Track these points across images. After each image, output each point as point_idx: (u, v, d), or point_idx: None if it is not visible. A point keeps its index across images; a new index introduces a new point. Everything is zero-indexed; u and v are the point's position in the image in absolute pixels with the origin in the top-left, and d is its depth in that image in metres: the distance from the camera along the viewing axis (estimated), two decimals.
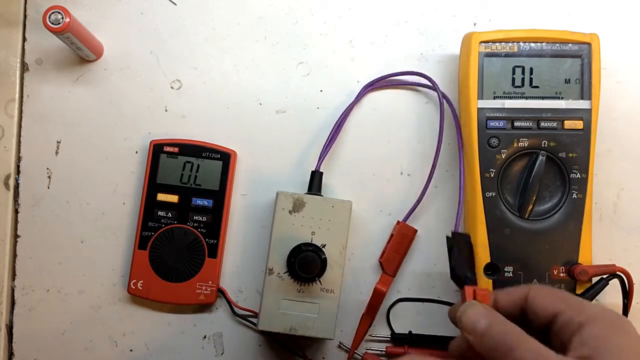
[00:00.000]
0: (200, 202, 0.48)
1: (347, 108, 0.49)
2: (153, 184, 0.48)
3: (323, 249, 0.45)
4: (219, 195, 0.48)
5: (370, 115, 0.50)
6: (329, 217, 0.46)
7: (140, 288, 0.48)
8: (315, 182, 0.48)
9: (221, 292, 0.49)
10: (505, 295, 0.39)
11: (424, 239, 0.49)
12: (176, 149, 0.48)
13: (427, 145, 0.50)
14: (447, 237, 0.44)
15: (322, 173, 0.48)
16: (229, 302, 0.49)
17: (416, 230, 0.49)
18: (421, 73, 0.49)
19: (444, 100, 0.49)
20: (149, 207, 0.48)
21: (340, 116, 0.49)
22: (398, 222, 0.49)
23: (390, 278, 0.48)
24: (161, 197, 0.48)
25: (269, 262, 0.45)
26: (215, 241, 0.48)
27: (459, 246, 0.43)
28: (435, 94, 0.49)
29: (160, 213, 0.48)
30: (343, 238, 0.46)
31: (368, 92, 0.50)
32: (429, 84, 0.49)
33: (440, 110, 0.49)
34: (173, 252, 0.48)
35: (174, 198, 0.48)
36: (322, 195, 0.47)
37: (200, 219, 0.48)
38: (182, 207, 0.48)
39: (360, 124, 0.50)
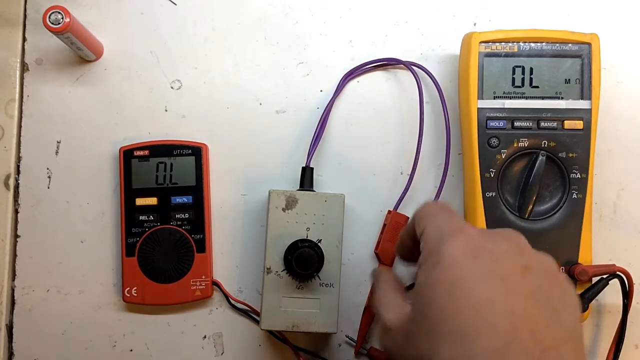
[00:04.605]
0: (179, 199, 0.48)
1: (329, 101, 0.49)
2: (129, 190, 0.48)
3: (319, 244, 0.45)
4: (197, 190, 0.48)
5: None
6: (323, 211, 0.46)
7: (135, 295, 0.47)
8: (306, 178, 0.48)
9: (216, 285, 0.49)
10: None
11: None
12: (146, 152, 0.48)
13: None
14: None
15: (312, 169, 0.48)
16: (225, 295, 0.49)
17: (408, 218, 0.49)
18: (394, 59, 0.50)
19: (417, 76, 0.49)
20: (130, 213, 0.48)
21: (325, 110, 0.49)
22: (389, 212, 0.49)
23: (389, 268, 0.48)
24: (140, 201, 0.48)
25: (266, 262, 0.45)
26: (201, 236, 0.48)
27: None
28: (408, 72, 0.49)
29: (142, 217, 0.48)
30: (338, 231, 0.46)
31: (348, 82, 0.50)
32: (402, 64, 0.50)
33: (419, 88, 0.49)
34: (161, 254, 0.48)
35: (152, 200, 0.48)
36: (314, 191, 0.47)
37: (183, 216, 0.48)
38: (162, 208, 0.48)
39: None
